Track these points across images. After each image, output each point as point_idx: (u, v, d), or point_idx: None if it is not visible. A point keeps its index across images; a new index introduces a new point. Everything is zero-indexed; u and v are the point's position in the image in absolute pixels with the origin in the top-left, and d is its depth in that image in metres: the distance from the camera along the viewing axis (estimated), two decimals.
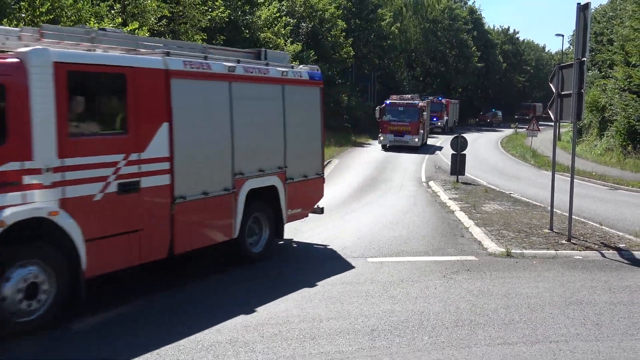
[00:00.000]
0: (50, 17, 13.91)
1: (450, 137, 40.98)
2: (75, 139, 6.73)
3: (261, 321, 6.90)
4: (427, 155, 31.61)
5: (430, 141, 41.06)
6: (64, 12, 14.30)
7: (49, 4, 13.85)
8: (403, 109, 35.05)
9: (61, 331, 6.54)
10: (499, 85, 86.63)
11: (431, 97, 40.26)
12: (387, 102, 36.26)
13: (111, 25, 15.61)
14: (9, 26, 12.20)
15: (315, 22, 42.96)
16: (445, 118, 52.65)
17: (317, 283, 8.54)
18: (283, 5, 40.78)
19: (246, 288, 8.35)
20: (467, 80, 72.51)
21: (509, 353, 6.19)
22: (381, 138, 35.28)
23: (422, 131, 36.08)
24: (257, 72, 9.32)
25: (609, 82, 35.97)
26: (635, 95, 31.09)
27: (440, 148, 36.70)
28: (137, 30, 16.52)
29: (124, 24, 16.54)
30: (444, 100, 52.04)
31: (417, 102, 36.20)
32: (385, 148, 35.25)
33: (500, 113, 73.76)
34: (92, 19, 15.22)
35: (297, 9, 42.11)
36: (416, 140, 34.58)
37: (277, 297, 7.84)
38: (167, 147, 7.73)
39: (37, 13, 13.55)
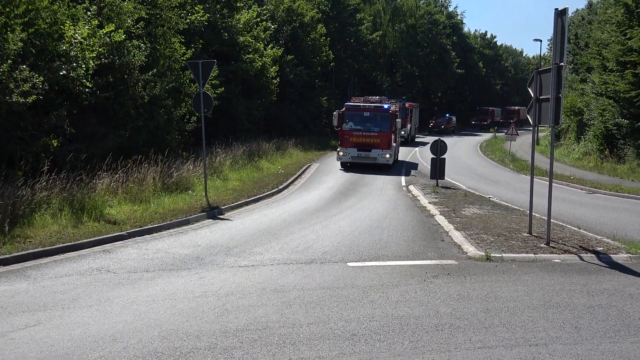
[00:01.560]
0: (26, 19, 13.72)
1: (416, 149, 40.89)
2: None
3: (240, 327, 6.86)
4: (403, 177, 25.08)
5: (399, 155, 34.54)
6: (39, 14, 14.11)
7: (25, 6, 13.66)
8: (370, 114, 27.54)
9: None
10: (478, 90, 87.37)
11: (392, 100, 32.53)
12: (348, 104, 28.70)
13: (87, 27, 15.48)
14: None
15: (295, 25, 43.05)
16: (409, 126, 44.97)
17: (297, 288, 8.53)
18: (264, 9, 40.84)
19: None
20: (447, 84, 73.05)
21: (489, 357, 6.22)
22: (340, 154, 27.32)
23: (394, 144, 28.62)
24: None
25: (587, 87, 36.43)
26: (611, 100, 31.52)
27: (415, 166, 30.66)
28: (113, 33, 16.40)
29: (100, 26, 16.39)
30: (407, 104, 44.99)
31: (387, 105, 28.39)
32: (345, 167, 27.69)
33: (454, 119, 67.96)
34: (67, 21, 15.06)
35: (278, 13, 42.17)
36: (387, 156, 27.01)
37: (256, 302, 7.81)
38: None
39: (12, 15, 13.34)
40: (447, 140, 25.35)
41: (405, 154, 37.09)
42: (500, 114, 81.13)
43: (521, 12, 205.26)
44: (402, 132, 39.68)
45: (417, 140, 49.54)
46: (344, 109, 27.91)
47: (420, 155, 36.75)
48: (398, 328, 6.95)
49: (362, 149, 26.93)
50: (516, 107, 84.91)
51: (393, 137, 27.95)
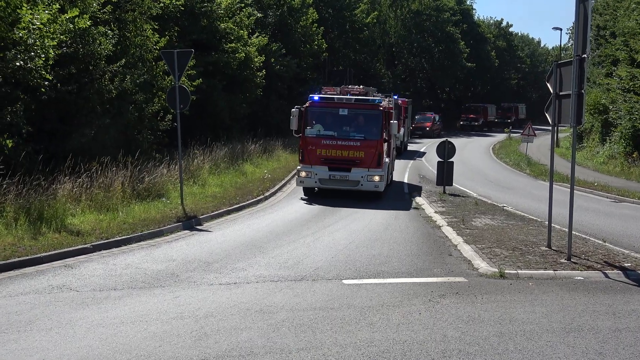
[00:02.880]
0: None
1: (410, 162, 35.41)
2: None
3: (221, 353, 6.84)
4: (404, 212, 18.04)
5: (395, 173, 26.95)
6: None
7: None
8: (349, 112, 20.25)
9: None
10: (491, 85, 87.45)
11: (380, 95, 24.78)
12: (315, 97, 21.04)
13: (47, 12, 15.43)
14: None
15: (284, 10, 43.04)
16: (402, 130, 36.06)
17: (285, 309, 8.53)
18: None
19: None
20: (455, 78, 73.16)
21: None
22: (302, 175, 19.96)
23: (387, 159, 21.20)
24: None
25: (613, 82, 36.47)
26: None
27: (418, 189, 23.59)
28: (77, 19, 16.36)
29: (62, 10, 16.34)
30: (400, 101, 36.68)
31: (378, 98, 21.47)
32: (310, 195, 20.69)
33: (437, 117, 61.16)
34: (24, 5, 15.01)
35: None
36: (376, 179, 19.56)
37: (239, 325, 7.81)
38: None
39: None
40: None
41: (399, 170, 29.72)
42: (495, 112, 76.20)
43: None
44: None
45: (409, 149, 43.89)
46: (307, 104, 20.56)
47: (419, 173, 30.87)
48: (400, 354, 6.94)
49: (337, 167, 19.54)
50: (513, 104, 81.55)
51: (386, 147, 20.75)
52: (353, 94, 21.70)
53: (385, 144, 20.65)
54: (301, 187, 20.70)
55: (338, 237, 13.99)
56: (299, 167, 20.22)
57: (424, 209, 18.38)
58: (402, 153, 37.76)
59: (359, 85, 24.63)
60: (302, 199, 20.25)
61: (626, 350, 7.24)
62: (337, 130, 20.05)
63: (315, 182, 19.80)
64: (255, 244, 13.07)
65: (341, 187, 19.89)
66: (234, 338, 7.33)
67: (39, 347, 6.94)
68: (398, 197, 22.15)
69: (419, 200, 20.36)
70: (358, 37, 56.82)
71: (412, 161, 36.13)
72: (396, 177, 26.74)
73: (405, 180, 27.23)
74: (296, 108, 20.09)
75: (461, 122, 68.32)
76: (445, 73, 71.01)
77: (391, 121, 21.35)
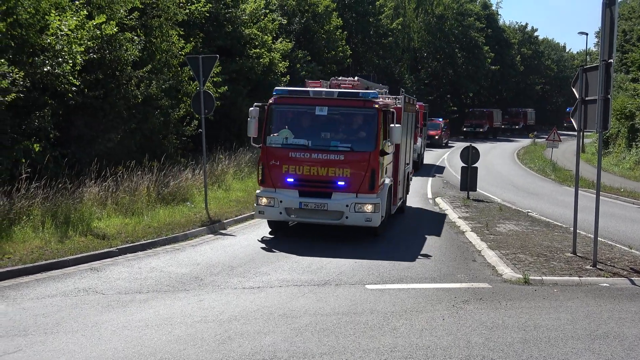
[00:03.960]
0: (3, 7, 13.86)
1: (430, 179, 28.87)
2: None
3: (244, 356, 6.88)
4: (428, 220, 16.75)
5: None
6: (19, 3, 14.26)
7: None
8: (329, 111, 14.05)
9: None
10: (516, 89, 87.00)
11: (385, 90, 18.09)
12: (281, 90, 15.01)
13: (75, 18, 15.62)
14: None
15: (308, 16, 43.17)
16: (420, 141, 31.80)
17: (308, 313, 8.55)
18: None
19: None
20: (479, 84, 72.83)
21: None
22: (263, 202, 13.86)
23: (387, 180, 15.09)
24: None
25: (639, 87, 36.17)
26: None
27: (437, 231, 15.98)
28: (104, 25, 16.54)
29: (90, 16, 16.54)
30: (418, 105, 27.51)
31: (372, 92, 14.49)
32: (273, 229, 14.95)
33: (444, 124, 53.77)
34: (52, 11, 15.22)
35: (289, 3, 42.30)
36: (368, 210, 13.35)
37: (262, 329, 7.84)
38: None
39: None
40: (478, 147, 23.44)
41: (418, 192, 23.74)
42: (501, 118, 71.70)
43: (564, 1, 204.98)
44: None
45: (425, 162, 36.93)
46: (271, 100, 14.25)
47: (443, 181, 28.46)
48: None
49: (311, 191, 13.54)
50: (521, 109, 78.36)
51: (386, 162, 14.82)
52: (337, 83, 16.15)
53: (385, 157, 14.15)
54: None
55: (361, 241, 13.97)
56: (257, 192, 13.92)
57: (447, 214, 18.29)
58: (420, 169, 31.58)
59: (354, 77, 17.37)
60: (259, 240, 14.00)
61: None
62: (312, 137, 13.77)
63: (281, 212, 13.45)
64: (285, 247, 13.10)
65: (317, 220, 13.64)
66: (258, 342, 7.37)
67: (65, 349, 7.03)
68: (409, 238, 14.76)
69: (442, 204, 20.26)
70: (382, 42, 56.82)
71: (430, 179, 29.47)
72: (415, 201, 21.16)
73: (423, 206, 20.92)
74: (255, 106, 14.01)
75: (464, 129, 63.70)
76: (469, 78, 70.72)
77: (392, 125, 14.10)
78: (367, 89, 15.96)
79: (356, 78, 16.91)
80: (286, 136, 13.91)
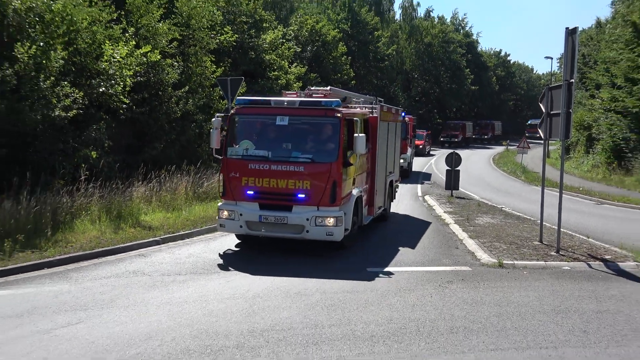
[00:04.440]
0: (65, 39, 14.00)
1: (419, 186, 25.36)
2: None
3: (266, 327, 6.93)
4: (418, 212, 16.81)
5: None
6: (79, 35, 14.40)
7: (65, 27, 13.93)
8: (290, 121, 11.27)
9: None
10: (491, 105, 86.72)
11: (361, 99, 15.24)
12: (242, 100, 11.92)
13: (125, 47, 15.73)
14: (23, 48, 12.36)
15: (318, 44, 43.27)
16: (410, 150, 28.97)
17: (319, 291, 8.59)
18: (289, 30, 41.12)
19: None
20: (461, 100, 72.72)
21: (501, 359, 6.20)
22: (224, 215, 11.22)
23: (354, 191, 11.80)
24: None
25: (596, 102, 36.06)
26: (620, 115, 31.19)
27: (413, 243, 12.74)
28: (149, 53, 16.65)
29: (137, 46, 16.66)
30: (407, 118, 26.79)
31: (335, 101, 11.41)
32: (242, 240, 12.33)
33: (427, 135, 49.13)
34: (107, 42, 15.34)
35: (302, 33, 42.42)
36: (330, 222, 10.64)
37: (281, 305, 7.88)
38: None
39: (55, 35, 13.62)
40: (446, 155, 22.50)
41: (410, 191, 23.05)
42: (472, 129, 68.50)
43: (533, 31, 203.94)
44: (401, 161, 21.34)
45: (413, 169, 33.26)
46: (233, 109, 12.02)
47: (431, 182, 26.94)
48: (415, 330, 6.95)
49: (271, 204, 11.03)
50: (489, 122, 74.35)
51: (347, 174, 11.24)
52: (309, 92, 13.73)
53: (351, 168, 11.25)
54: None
55: (364, 232, 13.97)
56: (219, 205, 11.39)
57: (434, 209, 18.26)
58: (409, 176, 29.00)
59: (328, 87, 14.25)
60: (218, 259, 10.87)
61: (606, 330, 7.15)
62: (273, 148, 11.19)
63: (241, 226, 11.00)
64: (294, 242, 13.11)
65: (277, 234, 10.99)
66: (277, 315, 7.41)
67: (119, 321, 7.10)
68: (378, 251, 11.66)
69: (430, 201, 20.24)
70: (379, 65, 56.82)
71: (419, 185, 26.05)
72: (402, 208, 18.19)
73: (412, 206, 19.02)
74: (217, 117, 11.53)
75: (442, 139, 60.11)
76: (453, 96, 70.56)
77: (356, 135, 11.13)
78: (345, 99, 13.60)
79: (329, 87, 13.96)
80: (246, 147, 11.22)
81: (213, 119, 11.47)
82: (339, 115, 10.88)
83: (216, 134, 11.29)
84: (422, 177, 26.44)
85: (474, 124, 70.43)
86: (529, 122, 72.49)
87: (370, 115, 13.40)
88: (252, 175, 10.91)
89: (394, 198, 16.83)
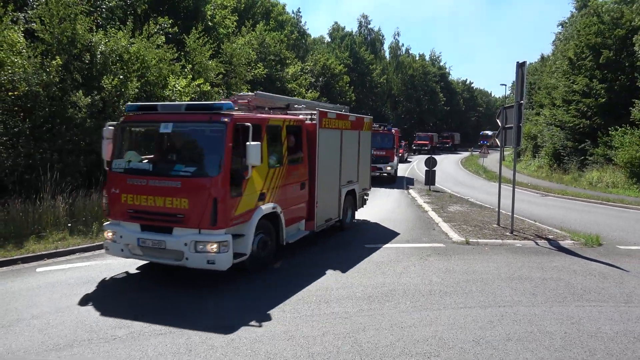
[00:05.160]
0: (139, 73, 14.03)
1: (402, 191, 20.71)
2: None
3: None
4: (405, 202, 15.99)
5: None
6: (149, 70, 14.43)
7: (138, 64, 14.00)
8: (172, 128, 7.04)
9: None
10: (459, 121, 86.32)
11: (301, 106, 10.21)
12: (130, 107, 7.61)
13: (184, 79, 15.74)
14: (108, 80, 12.44)
15: (328, 76, 43.29)
16: (396, 159, 24.78)
17: (329, 265, 8.51)
18: (306, 66, 41.18)
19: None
20: (435, 117, 72.61)
21: (469, 314, 6.11)
22: (108, 235, 7.21)
23: (264, 207, 7.48)
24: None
25: (540, 118, 35.86)
26: (559, 128, 30.98)
27: (345, 267, 8.55)
28: (201, 84, 16.65)
29: (193, 79, 16.70)
30: (394, 130, 24.15)
31: (223, 103, 7.03)
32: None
33: (404, 144, 43.58)
34: (170, 75, 15.36)
35: (316, 68, 42.50)
36: (213, 249, 6.50)
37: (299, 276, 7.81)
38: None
39: (131, 70, 13.69)
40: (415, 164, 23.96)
41: (398, 188, 20.97)
42: (437, 139, 63.53)
43: (491, 64, 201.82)
44: (388, 168, 21.58)
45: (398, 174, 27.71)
46: (122, 118, 7.79)
47: (413, 177, 25.19)
48: (402, 292, 6.87)
49: (151, 225, 6.93)
50: (450, 133, 70.19)
51: (241, 189, 6.95)
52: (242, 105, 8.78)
53: (253, 180, 7.23)
54: None
55: (362, 216, 13.88)
56: (104, 224, 7.51)
57: (416, 200, 18.10)
58: (395, 181, 24.43)
59: (253, 92, 9.62)
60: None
61: (551, 292, 7.04)
62: (157, 160, 7.67)
63: (122, 249, 7.17)
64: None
65: (158, 260, 6.97)
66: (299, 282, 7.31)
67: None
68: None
69: (413, 194, 20.06)
70: (374, 91, 56.72)
71: (405, 190, 21.23)
72: (390, 200, 17.02)
73: (399, 206, 16.00)
74: (109, 126, 7.54)
75: (414, 147, 54.47)
76: (430, 114, 70.30)
77: (249, 143, 6.82)
78: (288, 105, 10.06)
79: (254, 93, 9.38)
80: (130, 159, 7.41)
81: (104, 128, 7.55)
82: (225, 120, 6.83)
83: (106, 144, 7.41)
84: (407, 182, 24.13)
85: (438, 135, 67.00)
86: (481, 133, 71.19)
87: (309, 122, 9.38)
88: (132, 192, 7.04)
89: (360, 207, 12.44)
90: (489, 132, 63.92)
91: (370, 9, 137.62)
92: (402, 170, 32.82)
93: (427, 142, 56.74)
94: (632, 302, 6.65)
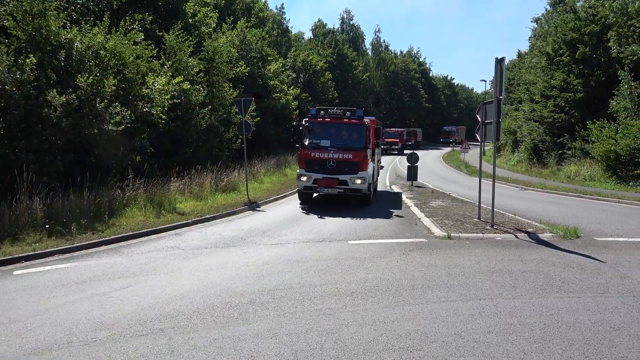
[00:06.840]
0: (115, 70, 13.80)
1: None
2: None
3: (272, 287, 6.85)
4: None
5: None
6: (127, 67, 14.20)
7: (115, 61, 13.76)
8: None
9: None
10: (440, 117, 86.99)
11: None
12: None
13: (163, 78, 15.52)
14: (84, 78, 12.19)
15: (310, 72, 43.14)
16: (371, 166, 15.46)
17: (312, 259, 8.50)
18: (287, 61, 41.00)
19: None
20: (417, 114, 72.97)
21: (450, 308, 6.16)
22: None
23: None
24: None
25: (519, 114, 36.25)
26: (537, 124, 31.36)
27: None
28: (181, 82, 16.44)
29: (173, 76, 16.49)
30: (367, 120, 15.08)
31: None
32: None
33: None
34: (149, 73, 15.14)
35: (297, 64, 42.30)
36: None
37: (283, 270, 7.80)
38: None
39: (107, 68, 13.44)
40: (402, 157, 24.44)
41: (381, 182, 22.51)
42: (405, 136, 58.16)
43: (471, 60, 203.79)
44: (358, 182, 14.43)
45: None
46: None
47: (396, 173, 29.79)
48: (385, 287, 6.90)
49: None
50: (412, 129, 63.46)
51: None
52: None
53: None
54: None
55: (344, 214, 13.92)
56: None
57: (400, 195, 18.23)
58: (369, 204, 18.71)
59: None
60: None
61: (530, 284, 7.13)
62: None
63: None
64: (292, 219, 13.05)
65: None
66: (280, 278, 7.32)
67: (160, 285, 6.99)
68: None
69: (396, 189, 20.18)
70: (357, 87, 56.77)
71: (387, 176, 22.88)
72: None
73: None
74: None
75: (383, 146, 48.00)
76: (411, 110, 70.71)
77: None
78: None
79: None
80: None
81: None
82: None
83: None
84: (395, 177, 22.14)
85: (406, 131, 59.24)
86: (443, 129, 69.11)
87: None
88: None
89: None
90: (453, 128, 63.19)
91: (350, 5, 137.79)
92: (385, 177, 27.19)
93: (397, 140, 50.49)
94: (608, 293, 6.79)
